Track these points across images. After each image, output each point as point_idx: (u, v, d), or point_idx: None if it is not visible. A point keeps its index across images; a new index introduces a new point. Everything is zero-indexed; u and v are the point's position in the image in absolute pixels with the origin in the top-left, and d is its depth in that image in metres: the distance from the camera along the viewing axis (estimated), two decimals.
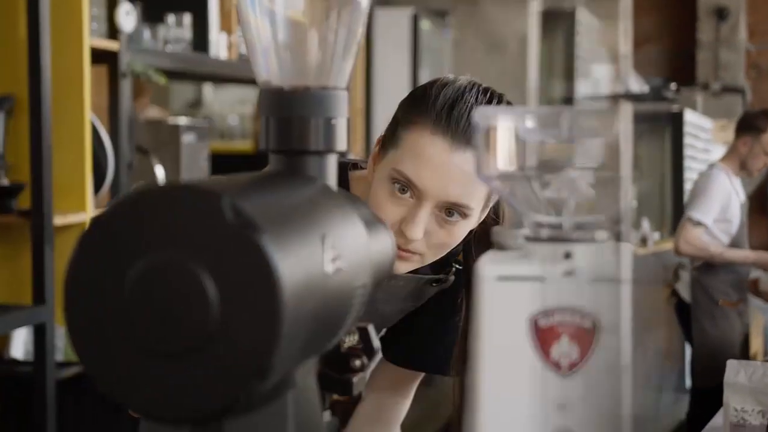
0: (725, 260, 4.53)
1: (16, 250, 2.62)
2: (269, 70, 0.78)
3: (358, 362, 0.84)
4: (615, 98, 6.11)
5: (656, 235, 6.43)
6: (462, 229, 1.31)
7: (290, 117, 0.76)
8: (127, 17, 2.86)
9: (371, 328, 0.84)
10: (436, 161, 1.26)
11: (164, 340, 0.60)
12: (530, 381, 0.67)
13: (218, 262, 0.60)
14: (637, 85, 6.43)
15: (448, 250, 1.34)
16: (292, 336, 0.61)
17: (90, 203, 2.69)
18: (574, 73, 7.46)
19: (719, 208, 4.54)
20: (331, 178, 0.79)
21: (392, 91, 4.91)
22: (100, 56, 2.86)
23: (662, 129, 7.31)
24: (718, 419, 2.24)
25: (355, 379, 0.83)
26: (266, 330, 0.59)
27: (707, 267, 4.53)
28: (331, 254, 0.68)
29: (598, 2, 6.33)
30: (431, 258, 1.33)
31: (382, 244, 0.84)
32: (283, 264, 0.60)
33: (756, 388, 1.93)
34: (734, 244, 4.55)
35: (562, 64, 7.43)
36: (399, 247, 1.27)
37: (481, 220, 1.35)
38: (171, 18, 3.34)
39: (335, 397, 0.85)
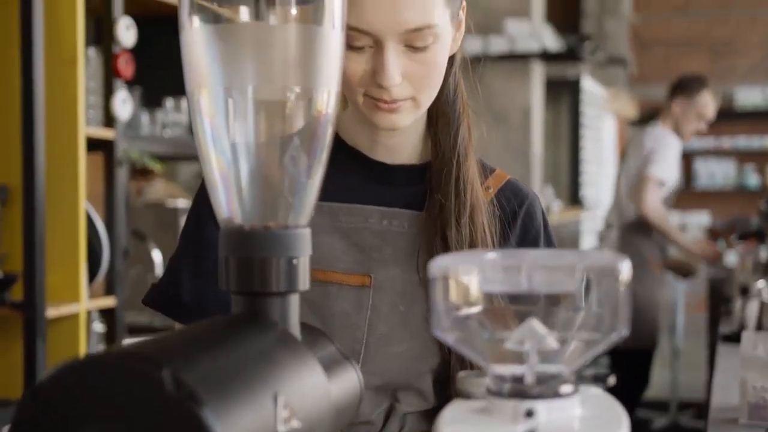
0: (672, 240, 4.44)
1: (9, 343, 2.59)
2: (230, 208, 0.76)
3: None
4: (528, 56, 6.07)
5: (558, 204, 6.46)
6: (438, 52, 1.21)
7: (251, 258, 0.74)
8: (124, 105, 2.87)
9: None
10: None
11: None
12: None
13: None
14: (551, 41, 6.34)
15: (439, 84, 1.24)
16: None
17: (84, 293, 2.67)
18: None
19: (675, 170, 4.45)
20: (293, 320, 0.76)
21: None
22: (96, 144, 2.86)
23: (559, 95, 7.27)
24: (732, 398, 1.84)
25: None
26: None
27: (638, 226, 4.39)
28: (285, 413, 0.65)
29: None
30: (426, 100, 1.24)
31: (346, 383, 0.81)
32: None
33: None
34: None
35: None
36: (386, 101, 1.20)
37: (459, 27, 1.27)
38: (169, 102, 3.35)
39: None
